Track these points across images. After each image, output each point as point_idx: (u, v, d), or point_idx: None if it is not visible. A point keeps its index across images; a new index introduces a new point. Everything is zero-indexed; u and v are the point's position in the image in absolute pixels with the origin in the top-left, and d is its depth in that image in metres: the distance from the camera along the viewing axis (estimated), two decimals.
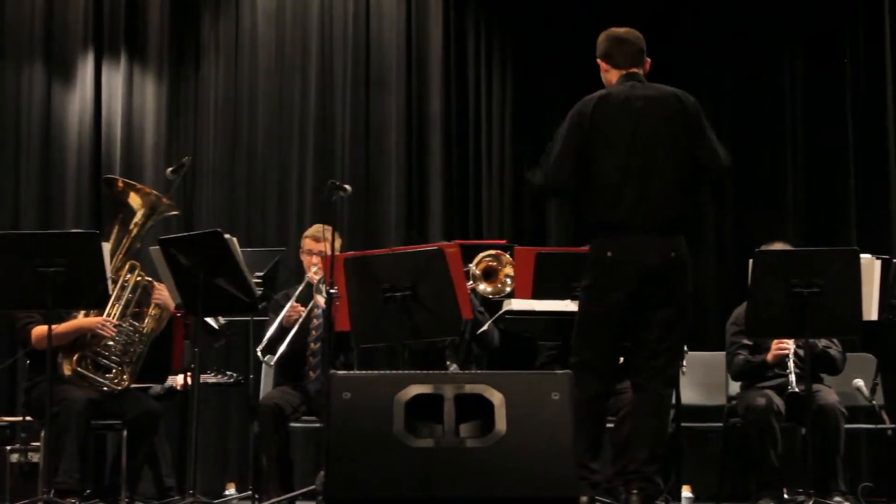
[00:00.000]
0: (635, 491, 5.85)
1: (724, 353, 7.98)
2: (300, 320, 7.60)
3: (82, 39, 10.41)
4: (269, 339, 7.58)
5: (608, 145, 5.98)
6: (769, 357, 7.57)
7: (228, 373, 8.45)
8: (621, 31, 6.25)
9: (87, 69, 10.38)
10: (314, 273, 7.68)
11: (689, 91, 6.18)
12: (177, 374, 8.02)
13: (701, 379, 8.53)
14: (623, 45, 6.20)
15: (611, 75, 6.20)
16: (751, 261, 6.65)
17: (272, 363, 7.59)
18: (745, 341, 7.68)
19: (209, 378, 8.31)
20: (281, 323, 7.61)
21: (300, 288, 7.75)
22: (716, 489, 8.24)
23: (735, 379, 7.92)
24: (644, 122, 5.98)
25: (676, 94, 6.09)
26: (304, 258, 7.90)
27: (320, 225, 7.80)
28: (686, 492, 8.67)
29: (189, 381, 7.33)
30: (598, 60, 6.25)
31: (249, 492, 7.95)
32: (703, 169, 6.08)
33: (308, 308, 7.67)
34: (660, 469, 5.96)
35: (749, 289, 6.67)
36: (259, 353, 7.57)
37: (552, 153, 6.11)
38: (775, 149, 10.36)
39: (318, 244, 7.73)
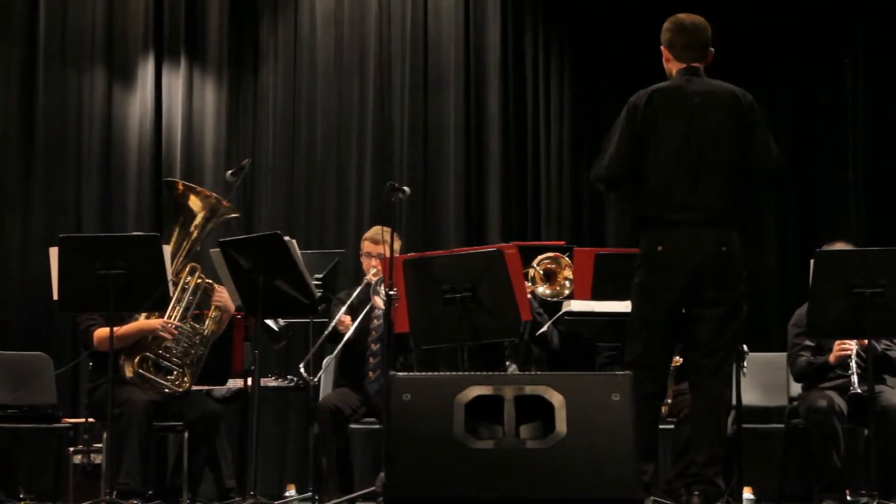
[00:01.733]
0: (696, 493, 5.82)
1: (785, 353, 7.92)
2: (347, 335, 7.62)
3: (142, 44, 10.49)
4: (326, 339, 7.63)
5: (661, 139, 5.95)
6: (831, 358, 7.51)
7: (289, 377, 8.47)
8: (687, 20, 6.14)
9: (147, 73, 10.45)
10: (373, 275, 7.69)
11: (748, 87, 6.13)
12: (237, 377, 8.05)
13: (762, 380, 8.48)
14: (685, 35, 6.09)
15: (671, 66, 6.13)
16: (812, 261, 6.60)
17: (313, 381, 7.61)
18: (807, 342, 7.63)
19: (270, 382, 8.34)
20: (335, 326, 7.65)
21: (359, 289, 7.77)
22: (777, 491, 8.18)
23: (797, 380, 7.87)
24: (698, 117, 5.93)
25: (734, 91, 6.03)
26: (364, 260, 7.92)
27: (379, 227, 7.82)
28: (747, 493, 8.62)
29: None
30: (662, 48, 6.17)
31: (309, 493, 7.97)
32: (754, 168, 6.02)
33: (360, 316, 7.67)
34: (720, 470, 5.92)
35: (810, 289, 6.62)
36: (301, 370, 7.60)
37: (608, 145, 6.09)
38: (837, 146, 10.27)
39: (376, 246, 7.74)
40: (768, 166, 6.07)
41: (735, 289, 5.94)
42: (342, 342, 7.62)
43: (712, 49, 6.15)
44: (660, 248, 5.90)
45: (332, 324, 7.67)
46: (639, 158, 5.98)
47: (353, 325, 7.66)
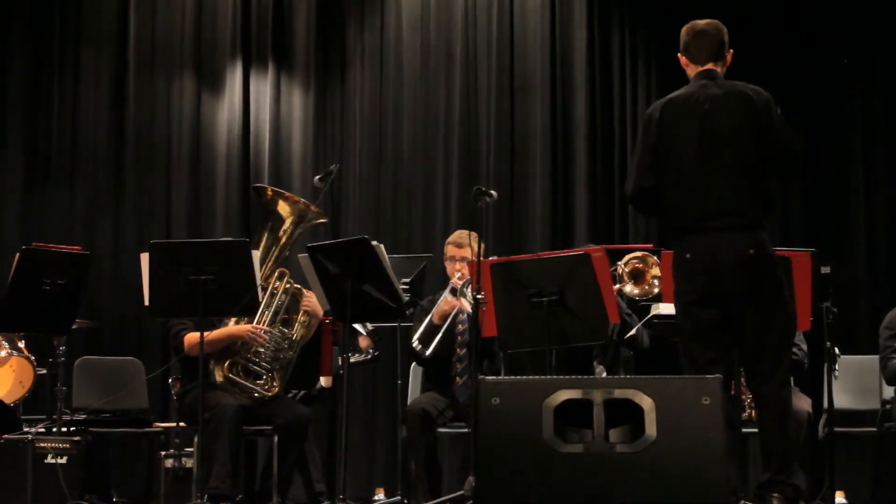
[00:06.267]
0: (775, 495, 5.79)
1: (876, 356, 7.85)
2: (453, 314, 7.61)
3: (230, 50, 10.59)
4: (423, 333, 7.62)
5: (677, 149, 5.95)
6: None
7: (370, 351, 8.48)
8: (702, 23, 6.15)
9: (235, 79, 10.55)
10: (457, 279, 7.68)
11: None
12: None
13: (853, 383, 8.40)
14: (700, 38, 6.10)
15: (689, 70, 6.15)
16: None
17: (427, 354, 7.60)
18: None
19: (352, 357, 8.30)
20: (432, 319, 7.64)
21: (445, 294, 7.77)
22: (870, 495, 8.10)
23: (889, 383, 7.80)
24: (711, 123, 5.91)
25: (746, 92, 5.97)
26: (448, 264, 7.91)
27: (463, 231, 7.83)
28: (840, 498, 8.54)
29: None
30: (678, 55, 6.19)
31: (398, 496, 8.00)
32: (775, 161, 5.94)
33: (454, 311, 7.66)
34: (795, 470, 5.85)
35: None
36: (415, 343, 7.61)
37: (632, 163, 6.10)
38: None
39: (460, 250, 7.74)
40: (788, 157, 5.99)
41: (770, 290, 5.87)
42: (444, 325, 7.61)
43: (731, 50, 6.14)
44: (688, 256, 5.90)
45: (433, 311, 7.64)
46: (660, 170, 5.99)
47: (458, 303, 7.64)
